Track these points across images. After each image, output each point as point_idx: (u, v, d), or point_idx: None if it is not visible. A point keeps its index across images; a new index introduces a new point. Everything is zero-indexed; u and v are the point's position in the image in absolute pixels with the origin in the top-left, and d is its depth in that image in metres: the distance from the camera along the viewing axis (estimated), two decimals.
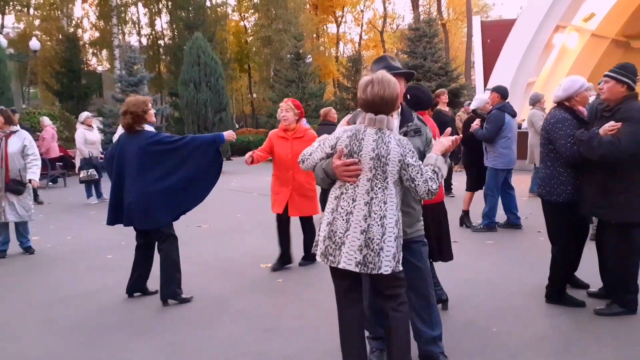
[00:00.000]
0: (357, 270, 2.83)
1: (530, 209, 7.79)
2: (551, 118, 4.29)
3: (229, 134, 4.82)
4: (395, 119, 3.11)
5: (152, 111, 4.72)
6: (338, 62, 38.47)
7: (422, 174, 2.82)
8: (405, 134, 3.08)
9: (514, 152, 6.99)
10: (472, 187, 7.40)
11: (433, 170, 2.87)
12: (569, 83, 4.32)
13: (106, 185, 11.67)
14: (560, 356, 3.46)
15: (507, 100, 7.08)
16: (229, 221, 8.49)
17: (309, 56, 24.62)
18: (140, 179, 4.49)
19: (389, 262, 2.80)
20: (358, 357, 3.05)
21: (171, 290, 4.67)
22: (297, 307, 4.53)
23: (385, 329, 3.04)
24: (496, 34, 15.72)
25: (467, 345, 3.55)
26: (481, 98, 7.58)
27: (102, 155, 11.21)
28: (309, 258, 5.69)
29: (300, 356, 3.59)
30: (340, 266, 2.84)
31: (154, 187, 4.50)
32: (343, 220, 2.84)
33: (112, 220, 4.71)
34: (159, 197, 4.51)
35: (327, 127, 7.50)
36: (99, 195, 11.14)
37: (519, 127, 12.54)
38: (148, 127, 4.79)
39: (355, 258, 2.80)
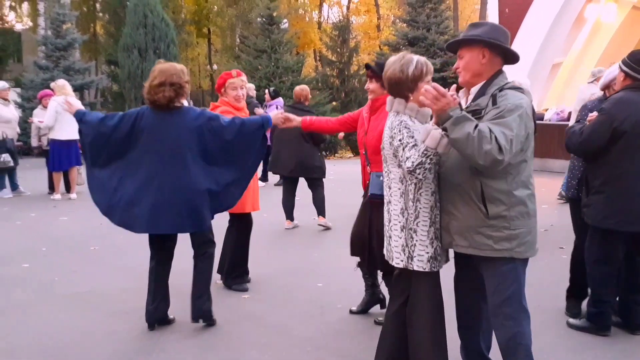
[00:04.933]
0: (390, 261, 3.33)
1: (555, 218, 7.96)
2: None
3: (276, 117, 4.68)
4: (461, 97, 3.20)
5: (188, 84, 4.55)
6: (321, 30, 38.46)
7: (405, 153, 3.04)
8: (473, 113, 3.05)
9: None
10: None
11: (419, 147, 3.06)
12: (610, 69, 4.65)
13: (22, 175, 11.62)
14: None
15: None
16: None
17: (285, 20, 24.58)
18: (186, 171, 4.31)
19: (399, 255, 3.22)
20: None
21: (207, 307, 4.62)
22: (262, 334, 4.55)
23: None
24: (516, 3, 15.87)
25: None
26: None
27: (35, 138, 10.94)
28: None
29: None
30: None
31: (203, 181, 4.36)
32: None
33: (123, 221, 4.40)
34: (206, 192, 4.38)
35: (296, 112, 6.69)
36: (14, 187, 10.98)
37: (541, 118, 12.70)
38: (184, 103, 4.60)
39: (386, 247, 3.38)
